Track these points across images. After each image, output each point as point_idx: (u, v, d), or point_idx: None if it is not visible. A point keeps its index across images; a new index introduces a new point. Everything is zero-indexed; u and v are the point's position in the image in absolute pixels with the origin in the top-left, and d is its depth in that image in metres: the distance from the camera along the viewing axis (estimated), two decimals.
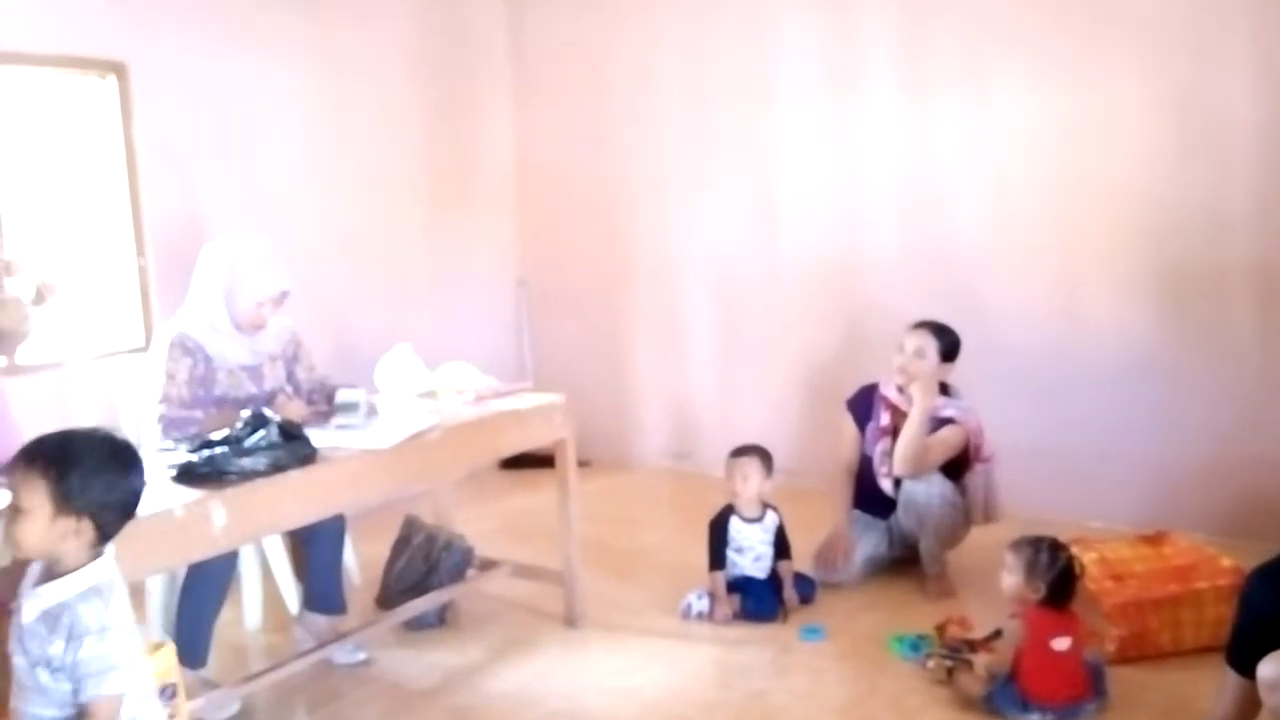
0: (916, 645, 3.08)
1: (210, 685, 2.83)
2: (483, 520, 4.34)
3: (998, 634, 2.85)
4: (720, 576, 3.43)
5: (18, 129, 3.56)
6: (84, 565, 1.85)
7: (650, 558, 4.01)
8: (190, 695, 2.54)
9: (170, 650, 2.40)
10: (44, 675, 1.82)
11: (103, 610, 1.84)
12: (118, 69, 3.77)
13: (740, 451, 3.53)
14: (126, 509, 1.92)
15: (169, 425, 2.87)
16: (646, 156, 5.14)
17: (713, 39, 4.86)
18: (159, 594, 3.13)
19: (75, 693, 1.82)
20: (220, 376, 3.01)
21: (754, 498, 3.46)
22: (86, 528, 1.84)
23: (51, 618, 1.81)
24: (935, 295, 4.22)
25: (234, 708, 2.86)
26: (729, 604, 3.38)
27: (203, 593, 2.90)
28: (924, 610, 3.37)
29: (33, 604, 1.84)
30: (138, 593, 3.23)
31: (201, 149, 4.05)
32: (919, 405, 3.48)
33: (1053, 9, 4.03)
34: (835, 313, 4.68)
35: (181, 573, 2.95)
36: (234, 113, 4.16)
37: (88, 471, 1.82)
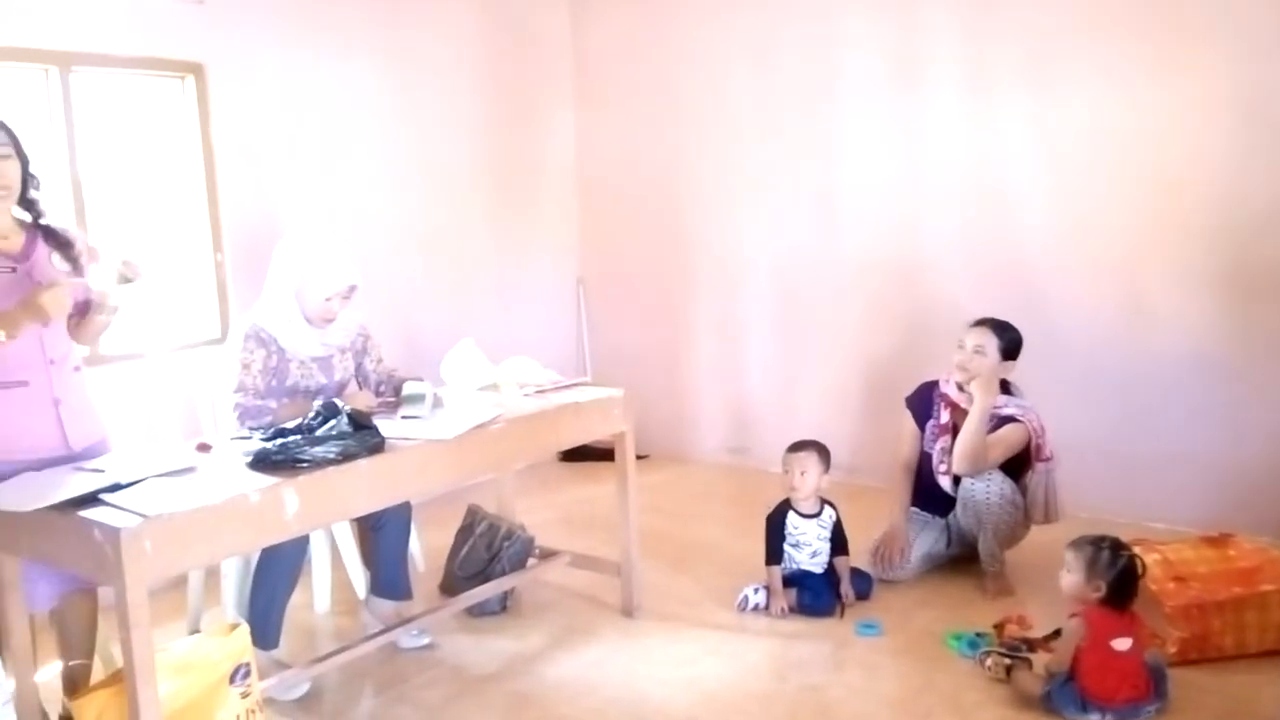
0: (974, 643, 3.08)
1: (281, 666, 2.94)
2: (543, 510, 4.41)
3: (1057, 634, 2.84)
4: (777, 571, 3.45)
5: (103, 128, 3.71)
6: None
7: (706, 551, 4.05)
8: (262, 675, 2.64)
9: (244, 631, 2.50)
10: None
11: None
12: (195, 70, 3.90)
13: (798, 446, 3.54)
14: None
15: (244, 414, 2.98)
16: (706, 155, 5.17)
17: (775, 38, 4.87)
18: (233, 577, 3.25)
19: None
20: (292, 368, 3.11)
21: (811, 493, 3.48)
22: None
23: None
24: (997, 292, 4.20)
25: (304, 688, 2.97)
26: (785, 598, 3.41)
27: (275, 576, 3.01)
28: (982, 608, 3.36)
29: None
30: (212, 575, 3.39)
31: (276, 148, 4.18)
32: (979, 403, 3.47)
33: (1120, 2, 3.98)
34: (895, 309, 4.67)
35: (254, 557, 3.06)
36: (307, 113, 4.28)
37: None
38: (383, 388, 3.31)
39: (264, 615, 2.99)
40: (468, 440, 2.87)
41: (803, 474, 3.47)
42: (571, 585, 3.70)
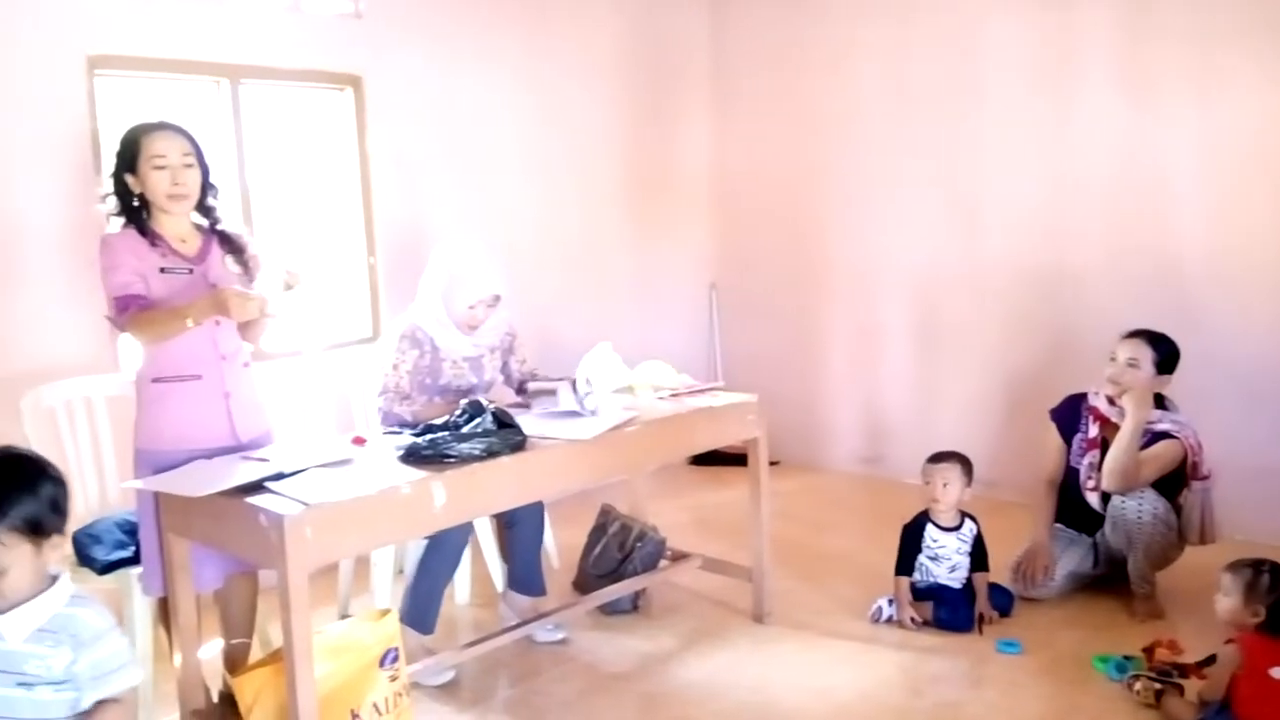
0: (1122, 666, 2.96)
1: (429, 652, 3.05)
2: (673, 513, 4.45)
3: (1210, 660, 2.70)
4: (905, 582, 3.39)
5: (268, 137, 3.93)
6: (49, 577, 1.85)
7: (838, 560, 4.01)
8: (411, 660, 2.76)
9: (393, 617, 2.61)
10: (43, 693, 1.79)
11: (99, 610, 1.87)
12: (354, 82, 4.10)
13: (940, 457, 3.47)
14: (61, 505, 1.88)
15: (384, 417, 3.13)
16: (842, 160, 5.11)
17: (914, 41, 4.79)
18: (385, 565, 3.39)
19: (78, 701, 1.82)
20: (445, 367, 3.23)
21: (953, 505, 3.41)
22: (58, 539, 1.85)
23: (49, 632, 1.81)
24: (1151, 303, 4.02)
25: (448, 675, 3.07)
26: (916, 610, 3.35)
27: (440, 564, 3.12)
28: (1129, 631, 3.23)
29: (18, 625, 1.80)
30: (361, 563, 3.54)
31: (426, 156, 4.34)
32: (1132, 418, 3.33)
33: None
34: (1040, 319, 4.52)
35: (412, 545, 3.18)
36: (456, 123, 4.44)
37: (34, 491, 1.82)
38: (527, 386, 3.40)
39: (425, 601, 3.10)
40: (604, 441, 2.93)
41: (945, 486, 3.39)
42: (702, 588, 3.71)
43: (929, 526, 3.40)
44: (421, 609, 3.07)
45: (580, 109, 4.96)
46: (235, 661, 2.81)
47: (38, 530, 1.80)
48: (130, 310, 2.55)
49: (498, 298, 3.26)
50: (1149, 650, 2.98)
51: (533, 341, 4.07)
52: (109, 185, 2.69)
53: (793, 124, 5.28)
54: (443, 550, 3.09)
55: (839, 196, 5.16)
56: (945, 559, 3.39)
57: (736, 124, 5.54)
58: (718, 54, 5.56)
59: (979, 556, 3.41)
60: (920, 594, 3.39)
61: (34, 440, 2.91)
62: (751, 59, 5.43)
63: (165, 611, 2.75)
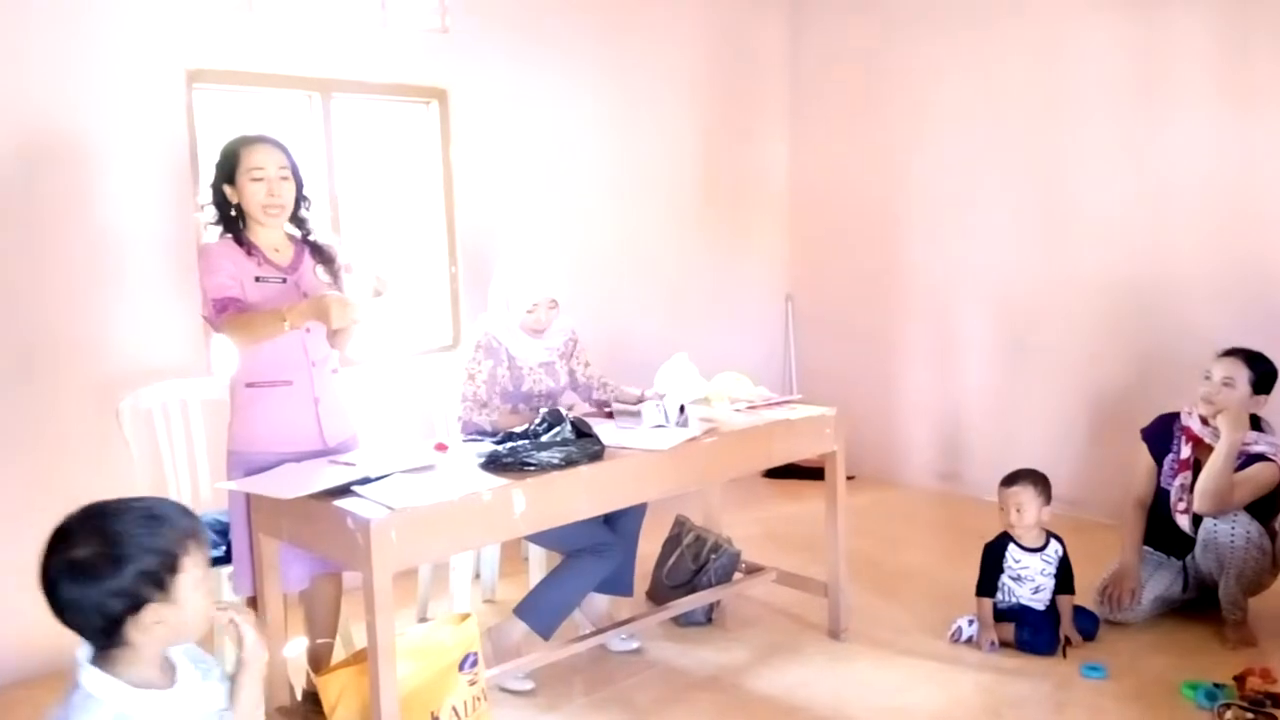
0: (1212, 694, 2.86)
1: (516, 655, 3.07)
2: (747, 525, 4.43)
3: None
4: (987, 603, 3.33)
5: (356, 148, 4.03)
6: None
7: (915, 577, 3.95)
8: (504, 660, 2.80)
9: (473, 621, 2.65)
10: None
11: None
12: (440, 96, 4.18)
13: (1011, 480, 3.38)
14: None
15: (464, 426, 3.18)
16: (923, 172, 5.06)
17: (998, 52, 4.71)
18: (464, 569, 3.42)
19: None
20: (524, 373, 3.27)
21: (1032, 526, 3.33)
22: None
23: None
24: (1248, 321, 3.90)
25: (529, 684, 3.09)
26: (997, 631, 3.28)
27: (583, 575, 3.13)
28: (1220, 658, 3.13)
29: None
30: (439, 568, 3.58)
31: (507, 167, 4.41)
32: (1226, 438, 3.23)
33: None
34: (1129, 336, 4.41)
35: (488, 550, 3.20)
36: (536, 135, 4.50)
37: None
38: (596, 393, 3.42)
39: (559, 606, 3.13)
40: (681, 452, 2.94)
41: (1018, 510, 3.31)
42: (776, 602, 3.69)
43: (1011, 546, 3.34)
44: (553, 613, 3.09)
45: (659, 121, 4.99)
46: (319, 661, 2.88)
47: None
48: (229, 311, 2.63)
49: (555, 301, 3.28)
50: (1240, 679, 2.88)
51: (609, 351, 4.11)
52: (208, 195, 2.78)
53: (872, 135, 5.24)
54: (590, 563, 3.11)
55: (918, 208, 5.10)
56: (1029, 579, 3.32)
57: (815, 135, 5.51)
58: (796, 66, 5.54)
59: (1064, 578, 3.33)
60: (1002, 614, 3.33)
61: (132, 440, 3.03)
62: (830, 70, 5.40)
63: (253, 610, 2.82)
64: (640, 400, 3.27)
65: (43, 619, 1.56)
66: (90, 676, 1.56)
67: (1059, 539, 3.36)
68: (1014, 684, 3.08)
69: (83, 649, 1.59)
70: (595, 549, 3.12)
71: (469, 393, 3.20)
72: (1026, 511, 3.31)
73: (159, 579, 1.56)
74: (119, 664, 1.59)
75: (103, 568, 1.52)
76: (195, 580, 1.61)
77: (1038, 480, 3.36)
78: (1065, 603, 3.32)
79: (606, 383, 3.47)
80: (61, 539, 1.55)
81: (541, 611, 3.08)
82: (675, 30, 5.04)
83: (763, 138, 5.53)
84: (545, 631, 3.08)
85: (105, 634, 1.56)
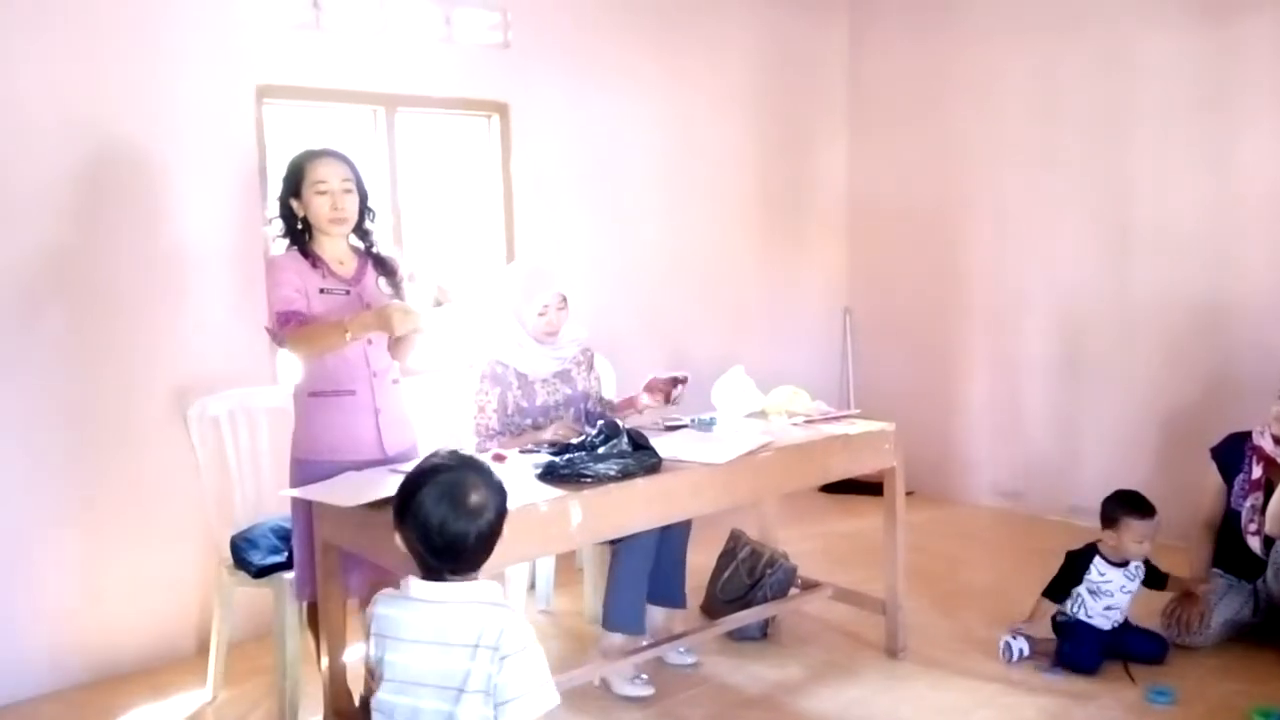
0: None
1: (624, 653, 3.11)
2: (803, 540, 4.39)
3: None
4: (1050, 605, 3.29)
5: (419, 161, 4.09)
6: None
7: (976, 596, 3.89)
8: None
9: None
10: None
11: None
12: (500, 110, 4.24)
13: (1144, 509, 3.25)
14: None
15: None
16: (982, 185, 5.00)
17: (1063, 61, 4.65)
18: (519, 580, 3.44)
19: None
20: (537, 388, 3.29)
21: (1143, 556, 3.28)
22: None
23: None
24: None
25: (649, 689, 3.12)
26: (1040, 642, 3.25)
27: (638, 563, 3.15)
28: None
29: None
30: (496, 579, 3.60)
31: (566, 180, 4.46)
32: None
33: None
34: (1198, 353, 4.30)
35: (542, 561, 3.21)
36: (595, 147, 4.54)
37: None
38: (590, 405, 3.41)
39: (634, 600, 3.15)
40: (738, 466, 2.92)
41: (1139, 543, 3.23)
42: (832, 618, 3.66)
43: (1097, 559, 3.27)
44: (631, 609, 3.12)
45: (716, 133, 4.99)
46: None
47: None
48: (291, 324, 2.68)
49: (564, 299, 3.28)
50: None
51: (665, 362, 4.11)
52: (275, 209, 2.85)
53: (932, 146, 5.19)
54: (635, 555, 3.12)
55: (980, 221, 5.03)
56: (1106, 595, 3.24)
57: (874, 146, 5.47)
58: (855, 75, 5.51)
59: (1155, 578, 3.32)
60: (1059, 628, 3.27)
61: (199, 446, 3.10)
62: (890, 80, 5.36)
63: (314, 616, 2.86)
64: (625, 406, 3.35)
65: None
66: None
67: (1146, 560, 3.32)
68: (1078, 709, 3.01)
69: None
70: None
71: (481, 425, 3.22)
72: (1147, 545, 3.25)
73: None
74: None
75: None
76: None
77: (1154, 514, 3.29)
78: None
79: (611, 402, 3.48)
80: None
81: (624, 613, 3.09)
82: (732, 42, 5.04)
83: (821, 149, 5.50)
84: (637, 629, 3.11)
85: None
